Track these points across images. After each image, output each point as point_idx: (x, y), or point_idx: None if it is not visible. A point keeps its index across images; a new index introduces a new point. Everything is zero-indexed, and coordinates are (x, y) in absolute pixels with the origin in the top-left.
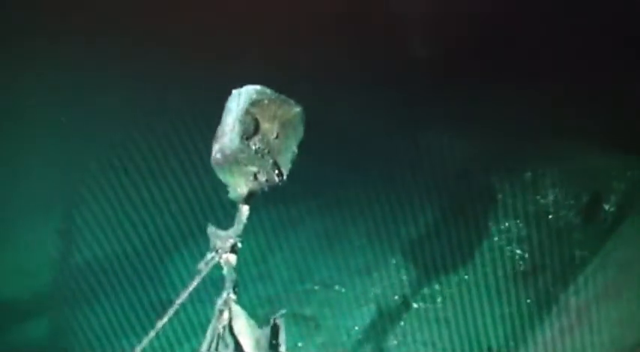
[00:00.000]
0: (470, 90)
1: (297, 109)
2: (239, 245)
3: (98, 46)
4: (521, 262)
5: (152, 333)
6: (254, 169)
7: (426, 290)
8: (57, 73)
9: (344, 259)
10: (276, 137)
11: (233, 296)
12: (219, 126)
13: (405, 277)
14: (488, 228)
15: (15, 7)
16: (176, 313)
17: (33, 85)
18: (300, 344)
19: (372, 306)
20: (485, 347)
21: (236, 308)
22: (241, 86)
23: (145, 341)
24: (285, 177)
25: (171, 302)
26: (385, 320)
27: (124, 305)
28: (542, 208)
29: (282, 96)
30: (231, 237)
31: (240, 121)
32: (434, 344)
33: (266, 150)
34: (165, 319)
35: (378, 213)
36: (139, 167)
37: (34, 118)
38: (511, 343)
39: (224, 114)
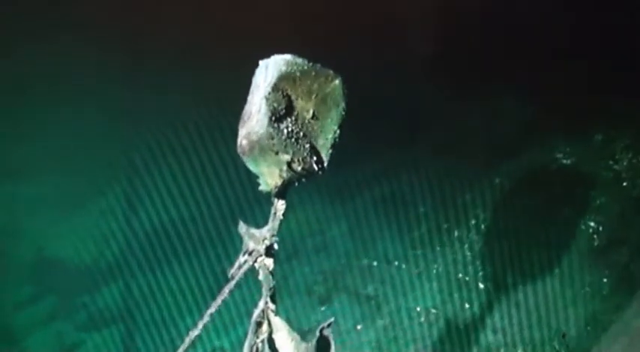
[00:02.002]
0: (537, 52)
1: (336, 81)
2: (275, 246)
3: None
4: (595, 236)
5: (187, 342)
6: (287, 157)
7: (492, 269)
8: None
9: (404, 231)
10: (313, 116)
11: (272, 306)
12: (245, 106)
13: (468, 253)
14: (557, 198)
15: None
16: (211, 320)
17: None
18: (359, 327)
19: (435, 285)
20: (558, 332)
21: (276, 320)
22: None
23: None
24: (325, 165)
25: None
26: (449, 301)
27: (191, 272)
28: (615, 175)
29: (318, 66)
30: (266, 238)
31: (268, 99)
32: (504, 331)
33: (301, 133)
34: (199, 329)
35: (438, 180)
36: (204, 138)
37: (101, 97)
38: (587, 328)
39: (251, 92)
